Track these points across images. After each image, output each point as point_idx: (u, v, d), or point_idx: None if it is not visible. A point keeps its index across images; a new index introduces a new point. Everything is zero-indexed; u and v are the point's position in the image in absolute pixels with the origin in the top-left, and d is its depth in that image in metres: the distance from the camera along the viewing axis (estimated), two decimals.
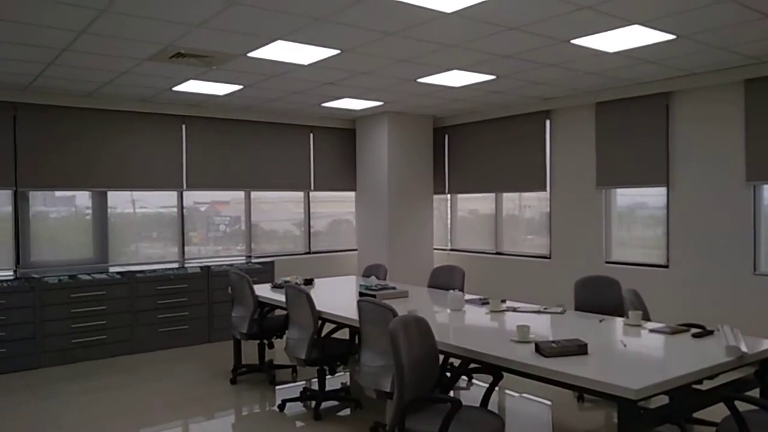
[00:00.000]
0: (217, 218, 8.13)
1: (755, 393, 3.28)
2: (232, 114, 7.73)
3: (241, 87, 6.33)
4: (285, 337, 4.81)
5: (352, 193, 8.99)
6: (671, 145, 6.16)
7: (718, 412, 2.98)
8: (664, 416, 3.42)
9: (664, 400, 3.10)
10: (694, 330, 3.66)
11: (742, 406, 2.78)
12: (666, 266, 6.27)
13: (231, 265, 7.17)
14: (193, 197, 7.76)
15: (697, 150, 5.99)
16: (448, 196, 8.90)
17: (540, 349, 3.16)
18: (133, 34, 4.39)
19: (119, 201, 7.25)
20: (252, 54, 4.97)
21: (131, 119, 7.06)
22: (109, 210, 7.11)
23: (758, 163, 5.52)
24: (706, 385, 3.18)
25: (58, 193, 6.95)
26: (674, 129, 6.15)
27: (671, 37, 4.55)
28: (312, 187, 8.57)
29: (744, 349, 3.13)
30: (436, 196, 8.84)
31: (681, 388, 2.86)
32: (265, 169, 8.12)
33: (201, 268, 7.03)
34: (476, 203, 8.72)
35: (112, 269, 6.70)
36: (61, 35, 4.37)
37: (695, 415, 3.87)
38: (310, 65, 5.36)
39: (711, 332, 3.61)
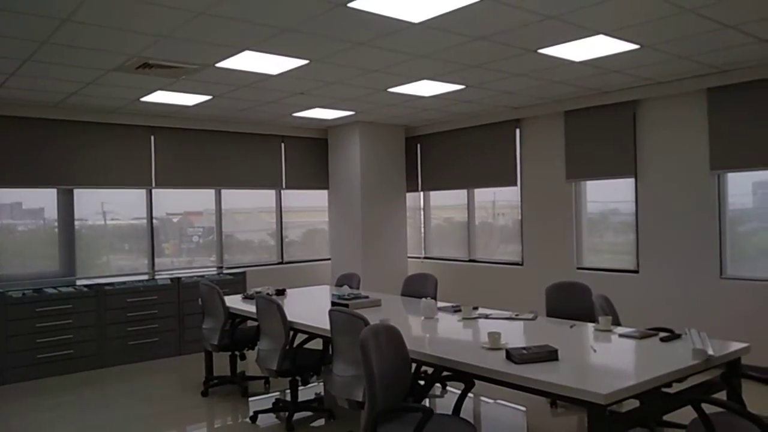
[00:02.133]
0: (190, 229, 8.03)
1: (722, 395, 3.33)
2: (202, 125, 7.65)
3: (210, 97, 6.27)
4: (257, 348, 4.76)
5: (325, 204, 8.96)
6: (639, 142, 6.27)
7: (686, 414, 3.02)
8: (634, 420, 3.45)
9: (635, 404, 3.13)
10: (662, 334, 3.70)
11: (709, 408, 2.82)
12: (636, 271, 6.37)
13: (202, 276, 7.08)
14: (165, 208, 7.65)
15: (664, 144, 6.10)
16: (421, 194, 8.93)
17: (511, 355, 3.17)
18: (97, 44, 4.32)
19: (89, 213, 7.11)
20: (220, 64, 4.94)
21: (99, 130, 6.93)
22: (79, 222, 6.98)
23: (721, 155, 5.66)
24: (675, 388, 3.22)
25: (24, 206, 6.79)
26: (641, 135, 6.26)
27: (635, 46, 4.65)
28: (283, 186, 8.51)
29: (710, 352, 3.18)
30: (409, 194, 8.85)
31: (650, 391, 2.89)
32: (236, 172, 8.04)
33: (171, 279, 6.93)
34: (450, 212, 8.76)
35: (79, 282, 6.55)
36: (22, 45, 4.28)
37: (665, 417, 3.92)
38: (279, 75, 5.34)
39: (679, 336, 3.66)
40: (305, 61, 4.92)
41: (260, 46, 4.49)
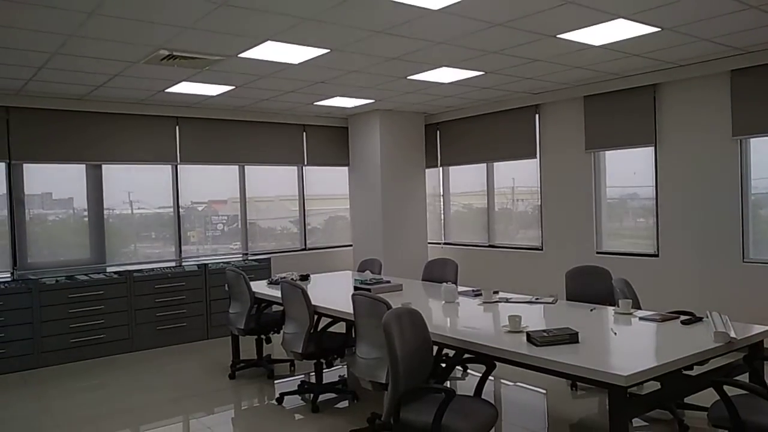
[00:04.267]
0: (215, 218, 8.18)
1: (744, 378, 3.35)
2: (225, 114, 7.76)
3: (233, 87, 6.36)
4: (282, 331, 4.88)
5: (346, 191, 9.04)
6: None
7: (708, 397, 3.05)
8: (655, 402, 3.51)
9: (656, 386, 3.18)
10: (683, 317, 3.73)
11: (731, 390, 2.86)
12: (656, 255, 6.36)
13: (228, 262, 7.22)
14: (190, 197, 7.80)
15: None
16: (441, 180, 8.98)
17: (531, 338, 3.22)
18: (122, 37, 4.42)
19: (117, 202, 7.28)
20: (243, 54, 5.01)
21: (125, 120, 7.08)
22: (107, 211, 7.15)
23: (744, 125, 5.61)
24: (696, 371, 3.25)
25: (54, 196, 6.98)
26: (661, 122, 6.22)
27: (656, 29, 4.61)
28: (305, 162, 8.61)
29: (732, 334, 3.20)
30: (429, 182, 8.90)
31: (671, 374, 2.92)
32: (259, 151, 8.15)
33: (198, 266, 7.09)
34: (469, 198, 8.79)
35: (109, 269, 6.74)
36: (50, 38, 4.40)
37: (686, 400, 3.97)
38: (300, 64, 5.40)
39: (700, 319, 3.68)
40: (326, 50, 4.98)
41: (281, 36, 4.55)
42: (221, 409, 4.85)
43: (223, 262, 7.25)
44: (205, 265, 7.13)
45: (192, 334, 6.97)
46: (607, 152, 6.88)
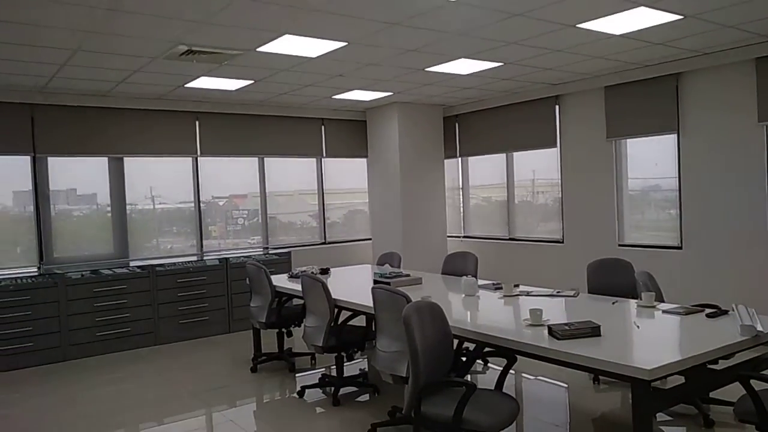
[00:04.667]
0: (236, 212, 8.25)
1: None
2: (244, 109, 7.80)
3: (251, 82, 6.39)
4: (303, 325, 4.90)
5: (365, 186, 9.05)
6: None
7: (734, 391, 3.00)
8: (679, 396, 3.46)
9: (680, 381, 3.13)
10: (708, 310, 3.67)
11: (758, 385, 2.81)
12: (679, 247, 6.26)
13: (249, 256, 7.28)
14: (210, 192, 7.87)
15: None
16: (460, 173, 8.94)
17: (553, 331, 3.20)
18: (141, 32, 4.46)
19: (139, 197, 7.38)
20: (261, 49, 5.03)
21: (145, 116, 7.15)
22: (129, 206, 7.25)
23: None
24: (722, 365, 3.20)
25: (79, 192, 7.09)
26: (684, 109, 6.12)
27: (678, 17, 4.53)
28: (324, 154, 8.63)
29: (759, 328, 3.14)
30: (448, 175, 8.87)
31: (696, 368, 2.87)
32: (278, 143, 8.20)
33: (219, 260, 7.15)
34: (489, 191, 8.74)
35: (132, 263, 6.83)
36: (70, 35, 4.45)
37: (711, 394, 3.91)
38: (318, 58, 5.40)
39: (725, 312, 3.62)
40: (343, 43, 4.97)
41: (299, 30, 4.55)
42: (243, 402, 4.90)
43: (244, 256, 7.31)
44: (227, 259, 7.20)
45: (214, 327, 7.04)
46: (628, 141, 6.79)
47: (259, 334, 5.77)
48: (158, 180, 7.51)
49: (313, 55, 5.31)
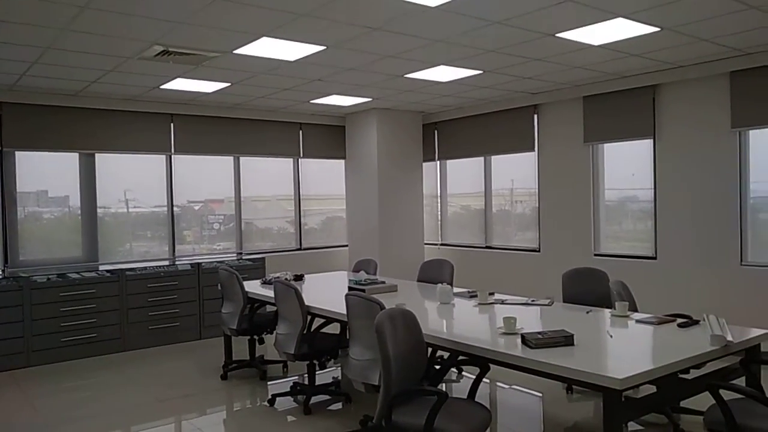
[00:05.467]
0: (212, 217, 8.13)
1: (741, 381, 3.31)
2: (221, 112, 7.71)
3: (228, 84, 6.31)
4: (275, 332, 4.82)
5: (343, 192, 9.00)
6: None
7: (704, 400, 3.00)
8: (650, 406, 3.46)
9: (652, 389, 3.12)
10: (680, 320, 3.68)
11: (727, 394, 2.81)
12: (654, 258, 6.31)
13: (222, 262, 7.16)
14: (186, 196, 7.75)
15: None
16: (438, 180, 8.92)
17: (526, 340, 3.17)
18: (116, 32, 4.37)
19: (113, 200, 7.23)
20: (238, 51, 4.96)
21: (119, 116, 7.02)
22: (102, 210, 7.11)
23: (744, 110, 5.55)
24: (693, 374, 3.20)
25: (50, 194, 6.93)
26: (660, 119, 6.18)
27: (655, 29, 4.57)
28: (301, 155, 8.54)
29: (729, 338, 3.15)
30: (427, 182, 8.86)
31: (667, 377, 2.87)
32: (254, 141, 8.10)
33: (191, 265, 7.03)
34: (467, 199, 8.75)
35: (102, 267, 6.68)
36: (42, 32, 4.34)
37: (682, 403, 3.91)
38: (296, 62, 5.35)
39: (697, 322, 3.64)
40: (322, 47, 4.92)
41: (277, 32, 4.50)
42: (213, 410, 4.79)
43: (216, 262, 7.19)
44: (199, 264, 7.08)
45: (185, 334, 6.90)
46: (606, 152, 6.85)
47: (230, 341, 5.67)
48: (133, 184, 7.38)
49: (292, 58, 5.26)
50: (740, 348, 3.27)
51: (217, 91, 6.61)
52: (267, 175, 8.40)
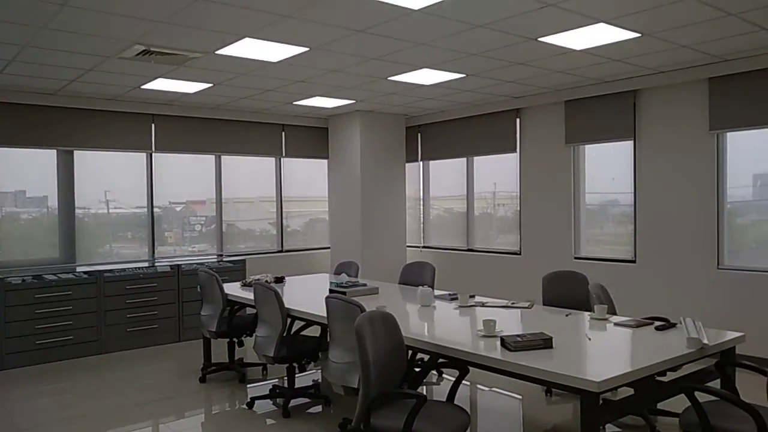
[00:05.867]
0: (193, 218, 8.06)
1: (716, 384, 3.34)
2: (203, 113, 7.65)
3: (210, 85, 6.26)
4: (254, 335, 4.78)
5: (325, 194, 8.97)
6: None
7: (680, 402, 3.03)
8: (627, 408, 3.48)
9: (629, 392, 3.15)
10: (657, 323, 3.71)
11: (703, 397, 2.84)
12: (633, 261, 6.37)
13: (202, 263, 7.10)
14: (168, 197, 7.67)
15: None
16: (421, 183, 8.94)
17: (505, 343, 3.18)
18: (96, 30, 4.31)
19: (92, 201, 7.13)
20: (220, 51, 4.92)
21: (99, 116, 6.93)
22: (82, 210, 7.01)
23: (721, 114, 5.64)
24: (669, 377, 3.23)
25: (28, 194, 6.82)
26: (641, 123, 6.25)
27: (636, 35, 4.62)
28: (284, 154, 8.51)
29: (705, 341, 3.19)
30: (410, 186, 8.87)
31: (644, 379, 2.90)
32: (237, 140, 8.06)
33: (171, 266, 6.96)
34: (449, 202, 8.77)
35: (80, 269, 6.58)
36: (21, 30, 4.27)
37: (658, 405, 3.94)
38: (279, 63, 5.33)
39: (674, 325, 3.67)
40: (305, 49, 4.90)
41: (260, 33, 4.47)
42: (191, 414, 4.74)
43: (196, 263, 7.12)
44: (178, 265, 7.00)
45: (163, 336, 6.83)
46: (587, 154, 6.92)
47: (210, 344, 5.61)
48: (113, 184, 7.29)
49: (274, 59, 5.23)
50: (715, 351, 3.31)
51: (199, 91, 6.56)
52: (249, 177, 8.35)
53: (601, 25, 4.37)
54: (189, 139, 7.63)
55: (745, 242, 5.78)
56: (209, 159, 7.94)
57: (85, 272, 6.43)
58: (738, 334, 3.47)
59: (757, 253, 5.64)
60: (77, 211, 6.98)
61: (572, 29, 4.46)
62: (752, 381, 3.10)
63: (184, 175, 7.79)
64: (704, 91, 5.74)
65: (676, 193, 6.01)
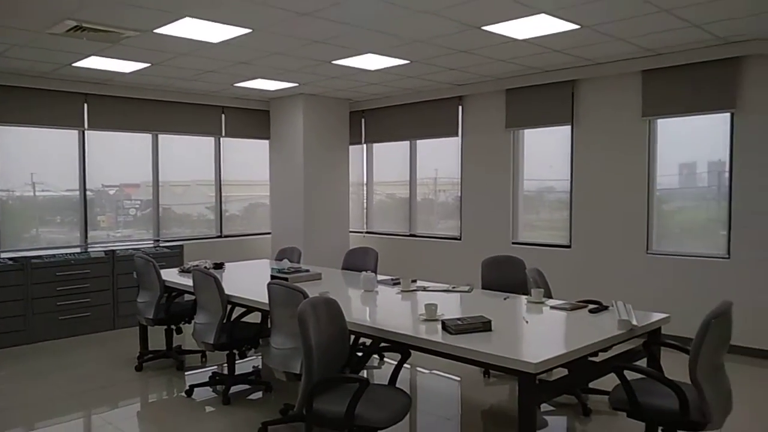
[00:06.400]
0: (127, 202, 7.78)
1: (643, 362, 3.51)
2: (139, 93, 7.37)
3: (148, 65, 6.04)
4: (193, 322, 4.69)
5: (266, 178, 8.84)
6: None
7: (610, 381, 3.17)
8: (562, 387, 3.62)
9: (564, 372, 3.26)
10: (591, 306, 3.86)
11: (631, 375, 2.98)
12: (568, 246, 6.60)
13: (138, 249, 6.88)
14: (100, 180, 7.37)
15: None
16: (365, 168, 8.96)
17: (446, 326, 3.24)
18: (24, 3, 4.07)
19: (17, 183, 6.77)
20: (159, 30, 4.75)
21: (27, 94, 6.57)
22: (5, 193, 6.64)
23: (653, 103, 5.90)
24: (601, 357, 3.37)
25: None
26: (578, 112, 6.45)
27: (576, 27, 4.74)
28: (223, 134, 8.31)
29: (634, 322, 3.34)
30: (353, 170, 8.86)
31: (577, 360, 3.01)
32: (174, 119, 7.80)
33: (105, 252, 6.71)
34: (392, 188, 8.81)
35: (4, 255, 6.24)
36: None
37: (590, 385, 4.12)
38: (220, 44, 5.19)
39: (606, 308, 3.82)
40: (248, 30, 4.79)
41: (201, 13, 4.34)
42: (126, 403, 4.60)
43: (132, 249, 6.89)
44: (113, 251, 6.76)
45: (97, 324, 6.59)
46: (526, 140, 7.09)
47: (146, 331, 5.47)
48: (41, 166, 6.93)
49: (215, 40, 5.09)
50: (643, 331, 3.47)
51: (135, 71, 6.32)
52: (186, 160, 8.12)
53: (543, 16, 4.46)
54: (124, 118, 7.34)
55: (670, 228, 6.08)
56: (144, 141, 7.65)
57: (10, 259, 6.11)
58: (664, 316, 3.65)
59: (681, 239, 5.95)
60: (0, 193, 6.61)
61: (515, 19, 4.53)
62: (676, 359, 3.27)
63: (118, 158, 7.50)
64: (638, 82, 5.97)
65: (610, 180, 6.25)
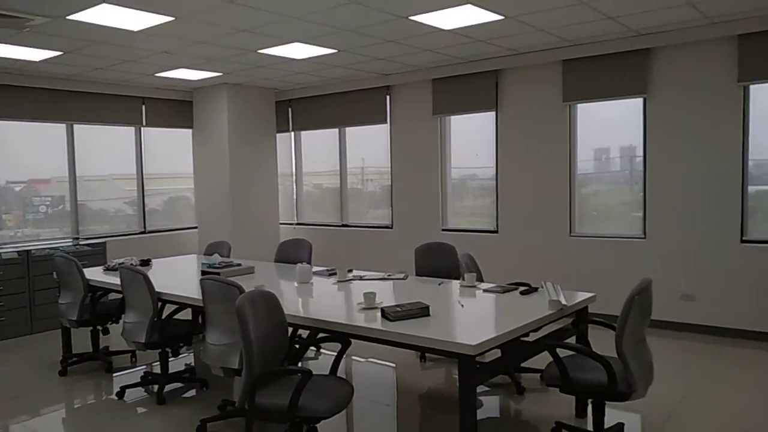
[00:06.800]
0: (37, 199, 7.32)
1: (573, 340, 3.69)
2: (50, 83, 6.95)
3: (60, 53, 5.70)
4: (122, 321, 4.51)
5: (190, 170, 8.58)
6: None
7: (541, 359, 3.31)
8: (498, 368, 3.75)
9: (497, 353, 3.38)
10: (522, 288, 4.01)
11: (562, 352, 3.12)
12: (496, 232, 6.81)
13: (56, 248, 6.51)
14: (5, 175, 6.90)
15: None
16: (293, 159, 8.88)
17: (386, 314, 3.28)
18: None
19: None
20: (73, 16, 4.49)
21: None
22: None
23: (572, 89, 6.17)
24: (533, 337, 3.51)
25: None
26: (502, 96, 6.64)
27: (500, 17, 4.87)
28: (144, 123, 8.00)
29: (564, 302, 3.50)
30: (281, 162, 8.75)
31: (512, 341, 3.13)
32: (91, 107, 7.43)
33: (18, 253, 6.31)
34: (321, 178, 8.77)
35: None
36: None
37: (523, 364, 4.29)
38: (140, 32, 4.97)
39: (536, 289, 3.98)
40: (170, 18, 4.62)
41: None
42: (49, 410, 4.38)
43: (49, 248, 6.52)
44: (28, 251, 6.37)
45: (12, 329, 6.21)
46: (452, 129, 7.25)
47: (69, 334, 5.20)
48: None
49: (135, 28, 4.88)
50: (572, 310, 3.64)
51: (46, 60, 5.95)
52: (105, 152, 7.74)
53: (468, 6, 4.55)
54: (34, 107, 6.90)
55: (588, 211, 6.39)
56: (55, 134, 7.22)
57: None
58: (590, 295, 3.84)
59: (598, 221, 6.28)
60: None
61: (442, 9, 4.60)
62: (603, 335, 3.46)
63: (25, 152, 7.04)
64: (558, 71, 6.22)
65: (534, 165, 6.48)
